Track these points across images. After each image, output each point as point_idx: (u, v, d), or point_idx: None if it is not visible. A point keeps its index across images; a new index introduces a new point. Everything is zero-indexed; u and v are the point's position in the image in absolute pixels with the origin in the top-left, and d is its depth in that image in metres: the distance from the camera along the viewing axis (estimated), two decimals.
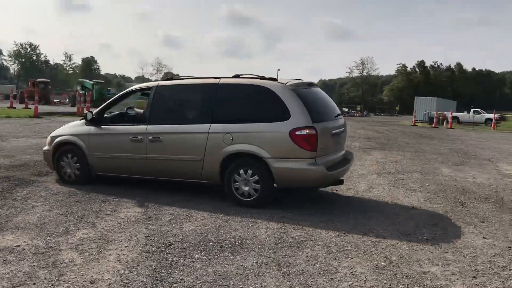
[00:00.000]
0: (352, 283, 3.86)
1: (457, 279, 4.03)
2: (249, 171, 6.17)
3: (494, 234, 5.42)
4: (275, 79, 6.59)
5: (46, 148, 7.74)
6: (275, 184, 6.18)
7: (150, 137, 6.70)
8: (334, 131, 6.57)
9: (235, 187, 6.28)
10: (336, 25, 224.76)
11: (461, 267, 4.31)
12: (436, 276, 4.07)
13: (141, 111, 7.73)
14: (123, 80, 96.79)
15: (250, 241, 4.85)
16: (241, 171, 6.21)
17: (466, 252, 4.73)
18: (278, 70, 75.43)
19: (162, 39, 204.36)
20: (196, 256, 4.37)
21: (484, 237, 5.29)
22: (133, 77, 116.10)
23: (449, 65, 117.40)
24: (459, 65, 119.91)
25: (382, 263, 4.33)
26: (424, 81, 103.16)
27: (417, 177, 9.31)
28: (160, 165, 6.73)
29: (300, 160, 5.96)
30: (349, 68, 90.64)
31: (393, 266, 4.27)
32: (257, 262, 4.25)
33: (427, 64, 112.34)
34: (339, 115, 7.10)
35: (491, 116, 38.90)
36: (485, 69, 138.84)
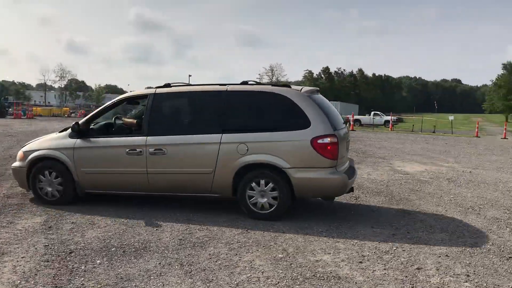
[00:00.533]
0: (251, 275, 4.10)
1: (345, 264, 4.43)
2: (266, 183, 5.88)
3: (381, 224, 5.98)
4: (289, 86, 6.36)
5: (17, 164, 6.84)
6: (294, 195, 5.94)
7: (151, 150, 6.12)
8: (347, 139, 6.57)
9: (251, 200, 5.97)
10: (246, 32, 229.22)
11: (349, 254, 4.74)
12: (327, 263, 4.44)
13: (131, 121, 6.98)
14: (23, 88, 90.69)
15: (154, 244, 4.92)
16: (257, 183, 5.90)
17: (356, 241, 5.19)
18: (190, 76, 75.07)
19: (66, 44, 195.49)
20: (98, 261, 4.37)
21: (372, 227, 5.81)
22: (34, 84, 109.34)
23: (352, 71, 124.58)
24: (360, 71, 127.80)
25: (280, 255, 4.62)
26: (329, 86, 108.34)
27: None
28: (163, 180, 6.20)
29: (321, 169, 5.77)
30: (259, 74, 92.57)
31: (289, 257, 4.59)
32: (160, 263, 4.35)
33: (332, 70, 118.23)
34: (344, 122, 6.90)
35: (389, 118, 41.86)
36: (384, 74, 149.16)
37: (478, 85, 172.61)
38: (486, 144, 21.62)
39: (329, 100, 7.36)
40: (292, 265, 4.37)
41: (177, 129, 6.28)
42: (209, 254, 4.63)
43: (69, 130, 6.60)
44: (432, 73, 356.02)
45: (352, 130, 31.80)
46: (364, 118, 45.96)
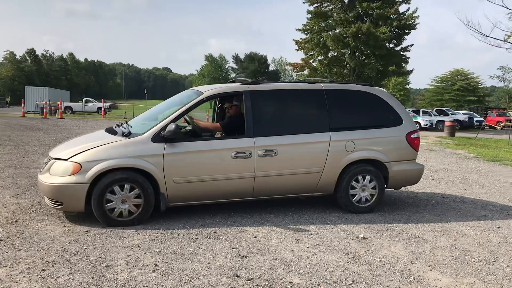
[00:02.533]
0: None
1: (24, 276, 3.85)
2: (367, 177, 6.32)
3: (75, 221, 5.54)
4: (371, 85, 6.83)
5: (66, 180, 5.21)
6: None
7: (261, 152, 5.77)
8: None
9: (352, 195, 6.32)
10: None
11: (31, 262, 4.16)
12: (1, 279, 3.78)
13: (212, 124, 6.68)
14: None
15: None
16: (359, 178, 6.30)
17: (42, 245, 4.63)
18: None
19: None
20: None
21: (64, 226, 5.33)
22: None
23: (62, 55, 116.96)
24: (71, 55, 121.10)
25: None
26: (36, 70, 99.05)
27: (10, 172, 8.67)
28: (272, 182, 5.93)
29: (410, 162, 6.61)
30: None
31: None
32: None
33: (39, 52, 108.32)
34: None
35: (101, 105, 40.94)
36: (97, 60, 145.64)
37: (186, 74, 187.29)
38: None
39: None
40: None
41: (285, 129, 6.07)
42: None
43: (150, 133, 5.52)
44: (144, 61, 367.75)
45: (61, 118, 29.79)
46: (76, 105, 43.75)
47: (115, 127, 6.18)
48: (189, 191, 5.63)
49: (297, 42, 42.19)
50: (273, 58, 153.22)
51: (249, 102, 5.94)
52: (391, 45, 39.76)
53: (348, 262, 4.42)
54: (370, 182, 6.32)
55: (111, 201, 5.29)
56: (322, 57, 41.40)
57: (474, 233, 5.61)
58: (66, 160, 5.32)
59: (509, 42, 20.32)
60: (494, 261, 4.62)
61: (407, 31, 39.24)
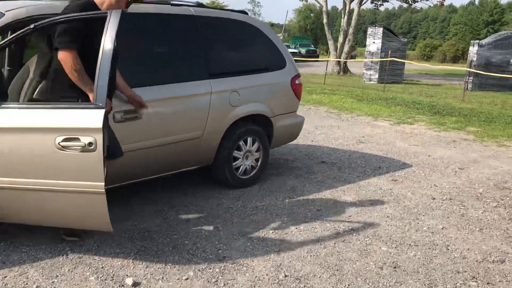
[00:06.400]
0: None
1: None
2: (250, 140, 4.58)
3: None
4: (247, 12, 4.97)
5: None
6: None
7: (118, 115, 3.45)
8: None
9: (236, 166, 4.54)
10: None
11: None
12: None
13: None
14: None
15: None
16: (240, 144, 4.51)
17: None
18: None
19: None
20: None
21: None
22: None
23: None
24: None
25: None
26: None
27: None
28: (137, 160, 3.77)
29: (293, 114, 5.05)
30: None
31: None
32: None
33: None
34: None
35: None
36: None
37: None
38: None
39: None
40: None
41: (148, 78, 3.83)
42: None
43: None
44: None
45: None
46: None
47: None
48: None
49: None
50: None
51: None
52: None
53: None
54: (253, 145, 4.61)
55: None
56: None
57: None
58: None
59: None
60: None
61: None
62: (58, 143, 2.66)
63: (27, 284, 2.72)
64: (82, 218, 2.93)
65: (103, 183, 2.68)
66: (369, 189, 4.72)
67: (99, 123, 2.64)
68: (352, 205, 4.26)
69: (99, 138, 2.64)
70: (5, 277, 2.78)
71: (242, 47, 4.75)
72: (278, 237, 3.49)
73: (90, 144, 2.63)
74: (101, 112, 2.67)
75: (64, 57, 2.78)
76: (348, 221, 3.86)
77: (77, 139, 2.65)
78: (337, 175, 5.18)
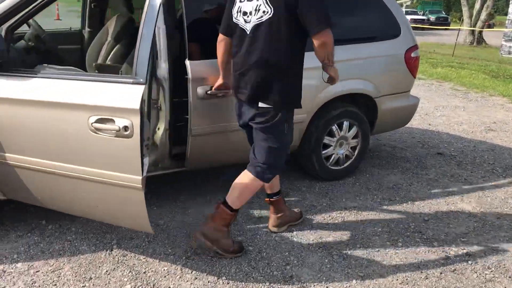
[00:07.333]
0: None
1: None
2: (346, 124, 3.81)
3: None
4: None
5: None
6: None
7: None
8: None
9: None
10: None
11: None
12: None
13: None
14: None
15: None
16: (333, 129, 3.79)
17: None
18: None
19: None
20: None
21: None
22: None
23: None
24: None
25: None
26: None
27: None
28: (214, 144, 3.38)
29: (405, 95, 4.19)
30: None
31: None
32: None
33: None
34: None
35: None
36: None
37: None
38: None
39: None
40: None
41: None
42: None
43: None
44: None
45: None
46: None
47: None
48: None
49: None
50: None
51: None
52: None
53: None
54: (349, 130, 3.80)
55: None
56: None
57: None
58: None
59: None
60: None
61: None
62: (91, 124, 2.17)
63: (55, 285, 2.35)
64: (117, 214, 2.46)
65: (140, 177, 2.16)
66: (497, 197, 3.70)
67: (136, 104, 2.10)
68: (471, 217, 3.31)
69: (136, 121, 2.10)
70: (37, 271, 2.47)
71: (344, 9, 3.68)
72: (366, 256, 2.73)
73: (125, 128, 2.11)
74: (140, 89, 2.12)
75: (330, 38, 2.35)
76: (463, 242, 2.96)
77: (112, 121, 2.15)
78: (456, 172, 4.18)
